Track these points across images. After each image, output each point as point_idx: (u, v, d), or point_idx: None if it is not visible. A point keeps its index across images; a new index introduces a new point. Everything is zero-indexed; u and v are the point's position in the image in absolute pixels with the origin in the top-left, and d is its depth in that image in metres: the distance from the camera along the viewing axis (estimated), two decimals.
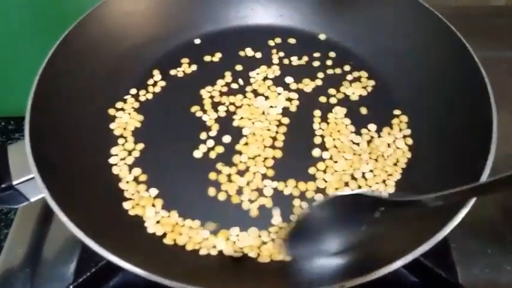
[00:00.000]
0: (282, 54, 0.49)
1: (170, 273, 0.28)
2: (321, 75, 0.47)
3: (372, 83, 0.46)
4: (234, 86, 0.46)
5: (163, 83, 0.46)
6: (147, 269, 0.28)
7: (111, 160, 0.40)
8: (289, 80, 0.47)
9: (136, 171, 0.40)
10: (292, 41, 0.50)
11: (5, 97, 0.61)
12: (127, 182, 0.39)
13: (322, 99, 0.45)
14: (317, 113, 0.44)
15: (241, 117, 0.44)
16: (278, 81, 0.47)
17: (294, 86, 0.46)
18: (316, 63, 0.48)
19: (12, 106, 0.59)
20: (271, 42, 0.50)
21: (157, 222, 0.36)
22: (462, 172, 0.35)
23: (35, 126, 0.35)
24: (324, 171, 0.40)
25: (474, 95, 0.38)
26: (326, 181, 0.39)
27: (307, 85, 0.46)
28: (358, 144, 0.42)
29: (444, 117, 0.41)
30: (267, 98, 0.45)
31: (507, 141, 0.35)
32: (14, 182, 0.33)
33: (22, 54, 0.59)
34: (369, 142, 0.42)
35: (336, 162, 0.40)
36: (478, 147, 0.34)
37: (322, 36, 0.50)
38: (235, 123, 0.43)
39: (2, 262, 0.38)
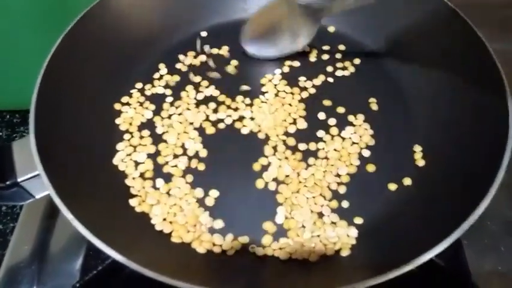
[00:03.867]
0: None
1: (177, 273, 0.28)
2: (330, 68, 0.46)
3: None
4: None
5: (169, 77, 0.46)
6: (154, 269, 0.28)
7: (117, 156, 0.40)
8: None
9: (142, 167, 0.39)
10: None
11: (10, 90, 0.60)
12: (133, 179, 0.38)
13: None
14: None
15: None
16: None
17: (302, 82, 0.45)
18: (325, 56, 0.47)
19: (17, 99, 0.59)
20: None
21: (164, 219, 0.36)
22: (473, 167, 0.34)
23: (39, 123, 0.34)
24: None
25: (488, 86, 0.37)
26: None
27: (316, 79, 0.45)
28: None
29: (456, 110, 0.40)
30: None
31: None
32: (19, 179, 0.33)
33: (26, 47, 0.58)
34: None
35: None
36: (492, 141, 0.34)
37: (331, 29, 0.49)
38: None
39: (9, 259, 0.38)
